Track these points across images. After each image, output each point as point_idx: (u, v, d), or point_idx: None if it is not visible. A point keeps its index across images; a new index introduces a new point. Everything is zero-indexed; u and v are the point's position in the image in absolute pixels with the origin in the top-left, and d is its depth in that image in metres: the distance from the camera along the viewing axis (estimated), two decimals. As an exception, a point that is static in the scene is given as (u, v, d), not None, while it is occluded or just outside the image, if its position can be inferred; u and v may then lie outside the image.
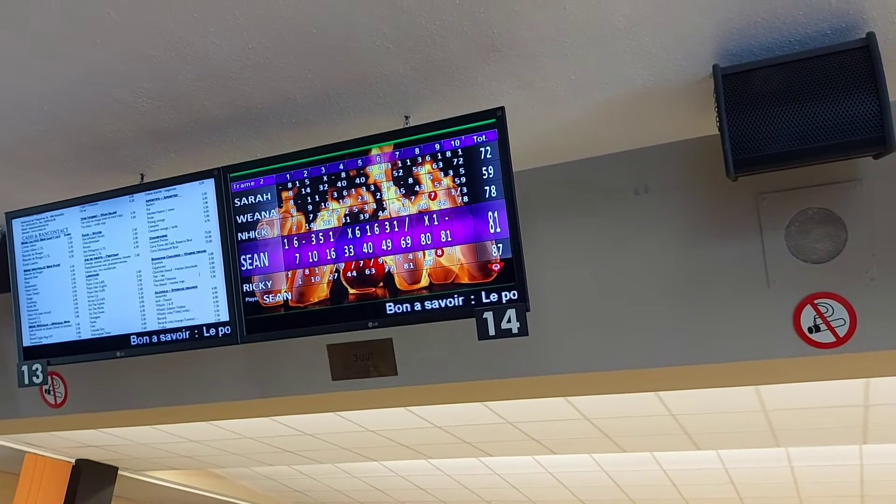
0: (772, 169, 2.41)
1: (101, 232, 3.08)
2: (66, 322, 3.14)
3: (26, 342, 3.23)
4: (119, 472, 8.30)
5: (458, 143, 2.55)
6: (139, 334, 3.01)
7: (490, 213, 2.52)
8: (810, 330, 2.64)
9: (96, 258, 3.08)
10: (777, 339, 2.68)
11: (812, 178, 2.65)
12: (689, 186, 2.85)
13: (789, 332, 2.67)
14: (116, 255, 3.05)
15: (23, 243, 3.22)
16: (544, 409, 5.45)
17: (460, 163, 2.55)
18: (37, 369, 3.16)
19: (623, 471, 7.41)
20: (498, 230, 2.51)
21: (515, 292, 2.50)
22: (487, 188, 2.52)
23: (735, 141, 2.36)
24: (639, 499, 8.52)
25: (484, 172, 2.52)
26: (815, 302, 2.63)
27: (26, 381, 3.19)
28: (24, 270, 3.22)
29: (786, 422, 5.28)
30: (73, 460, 7.96)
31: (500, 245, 2.51)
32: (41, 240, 3.19)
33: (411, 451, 6.93)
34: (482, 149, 2.52)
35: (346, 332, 2.80)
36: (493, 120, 2.50)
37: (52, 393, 3.97)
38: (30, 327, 3.22)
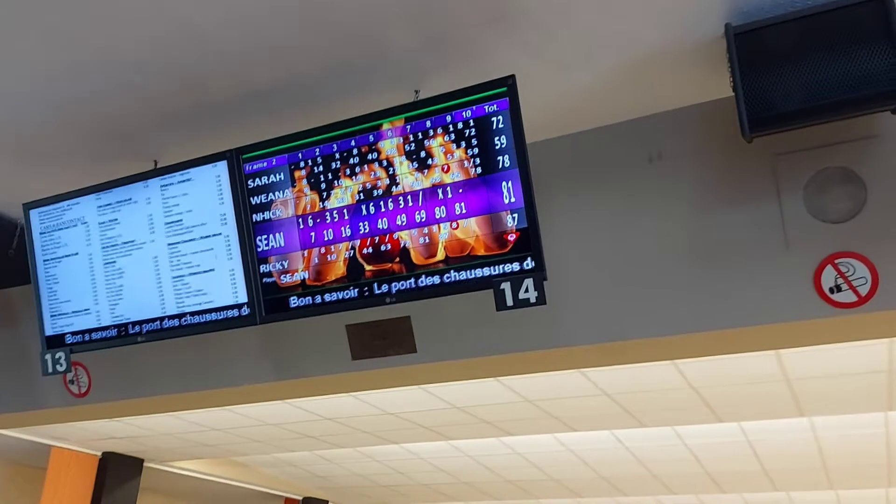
0: (788, 128, 2.39)
1: (116, 219, 3.09)
2: (86, 310, 3.17)
3: (48, 331, 3.26)
4: (145, 463, 8.40)
5: (469, 113, 2.54)
6: (158, 319, 3.03)
7: (504, 184, 2.51)
8: (831, 290, 2.61)
9: (113, 245, 3.10)
10: (798, 301, 2.66)
11: (829, 136, 2.62)
12: (704, 151, 2.82)
13: (810, 293, 2.64)
14: (133, 241, 3.07)
15: (41, 234, 3.25)
16: (563, 386, 5.44)
17: (472, 134, 2.54)
18: (60, 357, 3.19)
19: (644, 446, 7.40)
20: (512, 200, 2.50)
21: (532, 262, 2.49)
22: (500, 158, 2.50)
23: (750, 100, 2.33)
24: (661, 474, 8.51)
25: (496, 142, 2.51)
26: (836, 262, 2.60)
27: (50, 370, 3.23)
28: (44, 260, 3.25)
29: (809, 390, 5.24)
30: (99, 453, 8.05)
31: (515, 215, 2.50)
32: (59, 229, 3.21)
33: (431, 432, 6.96)
34: (494, 118, 2.51)
35: (363, 308, 2.79)
36: (504, 88, 2.48)
37: (75, 383, 4.01)
38: (51, 316, 3.25)
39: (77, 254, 3.17)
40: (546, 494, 10.01)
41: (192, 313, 2.98)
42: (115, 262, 3.10)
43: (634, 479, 8.79)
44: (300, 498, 10.76)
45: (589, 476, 8.69)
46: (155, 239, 3.02)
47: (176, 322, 3.01)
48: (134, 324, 3.09)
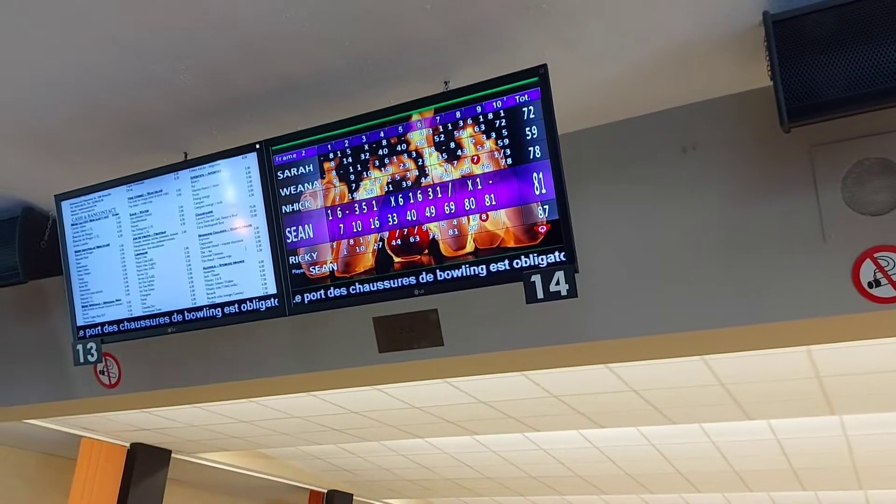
0: (828, 117, 2.33)
1: (148, 210, 3.11)
2: (117, 300, 3.19)
3: (80, 321, 3.30)
4: (172, 454, 8.49)
5: (500, 104, 2.52)
6: (189, 310, 3.05)
7: (535, 175, 2.48)
8: (870, 285, 2.55)
9: (144, 236, 3.12)
10: (835, 296, 2.60)
11: (868, 126, 2.56)
12: (739, 142, 2.77)
13: (848, 287, 2.59)
14: (164, 232, 3.09)
15: (72, 225, 3.28)
16: (590, 382, 5.41)
17: (503, 124, 2.51)
18: (91, 348, 3.22)
19: (671, 444, 7.34)
20: (543, 191, 2.47)
21: (563, 254, 2.46)
22: (532, 149, 2.48)
23: (789, 89, 2.28)
24: (688, 472, 8.43)
25: (528, 133, 2.48)
26: (875, 255, 2.55)
27: (81, 360, 3.26)
28: (76, 251, 3.28)
29: (840, 388, 5.16)
30: (128, 444, 8.16)
31: (546, 207, 2.48)
32: (90, 220, 3.24)
33: (456, 427, 6.95)
34: (525, 108, 2.48)
35: (392, 300, 2.78)
36: (536, 78, 2.45)
37: (106, 374, 4.06)
38: (83, 307, 3.28)
39: (108, 245, 3.20)
40: (571, 491, 9.97)
41: (222, 304, 2.99)
42: (146, 253, 3.12)
43: (660, 477, 8.72)
44: (325, 491, 10.82)
45: (614, 473, 8.64)
46: (186, 230, 3.03)
47: (206, 313, 3.02)
48: (165, 314, 3.11)
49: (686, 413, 6.08)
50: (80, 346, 3.26)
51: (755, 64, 2.54)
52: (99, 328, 3.25)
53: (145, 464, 8.20)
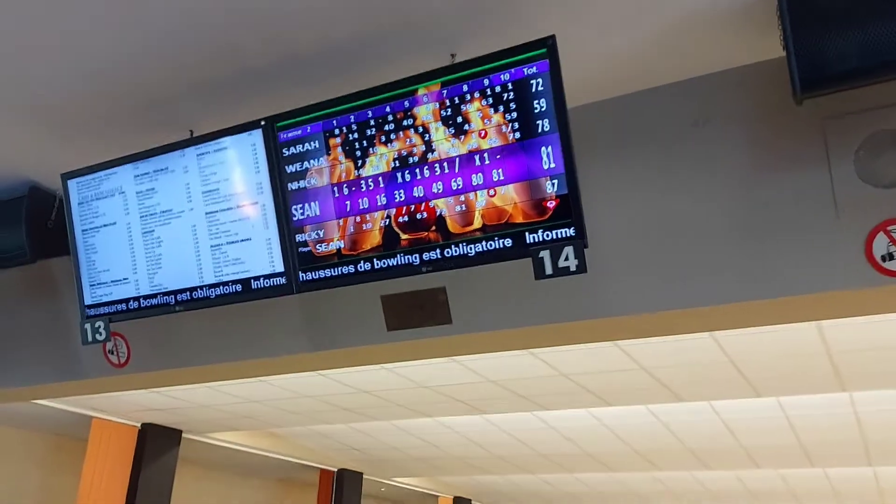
0: (841, 88, 2.29)
1: (154, 188, 3.10)
2: (125, 279, 3.19)
3: (87, 300, 3.30)
4: (183, 434, 8.56)
5: (507, 76, 2.48)
6: (197, 288, 3.05)
7: (543, 149, 2.45)
8: (883, 258, 2.52)
9: (151, 214, 3.11)
10: (847, 270, 2.57)
11: (881, 98, 2.51)
12: (751, 115, 2.73)
13: (860, 261, 2.55)
14: (171, 210, 3.07)
15: (79, 203, 3.27)
16: (599, 360, 5.40)
17: (511, 97, 2.48)
18: (99, 326, 3.23)
19: (680, 421, 7.34)
20: (552, 165, 2.44)
21: (573, 229, 2.43)
22: (540, 122, 2.44)
23: (802, 60, 2.24)
24: (696, 449, 8.44)
25: (536, 106, 2.44)
26: (888, 229, 2.51)
27: (90, 339, 3.27)
28: (82, 230, 3.28)
29: (851, 364, 5.14)
30: (138, 424, 8.22)
31: (555, 181, 2.45)
32: (97, 199, 3.23)
33: (465, 406, 6.97)
34: (533, 81, 2.44)
35: (399, 277, 2.77)
36: (544, 50, 2.41)
37: (115, 353, 4.07)
38: (90, 286, 3.28)
39: (115, 223, 3.19)
40: (580, 468, 10.01)
41: (230, 282, 2.99)
42: (153, 231, 3.11)
43: (670, 454, 8.74)
44: (335, 469, 10.91)
45: (623, 451, 8.67)
46: (193, 208, 3.02)
47: (214, 291, 3.02)
48: (172, 293, 3.10)
49: (695, 390, 6.07)
50: (88, 325, 3.26)
51: (767, 35, 2.49)
52: (107, 307, 3.25)
53: (156, 444, 8.27)
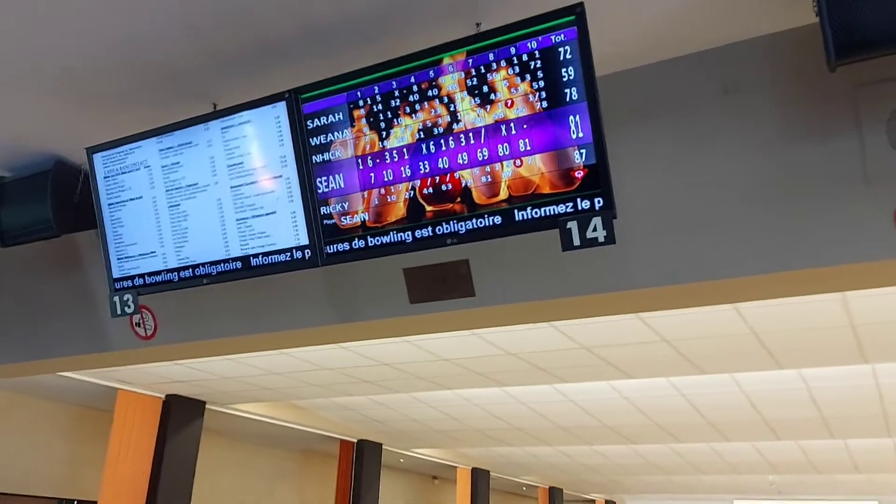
0: (876, 54, 2.24)
1: (179, 162, 3.11)
2: (152, 252, 3.21)
3: (115, 273, 3.33)
4: (207, 405, 8.68)
5: (534, 44, 2.44)
6: (223, 261, 3.06)
7: (571, 118, 2.42)
8: (914, 228, 2.48)
9: (177, 188, 3.12)
10: (877, 240, 2.54)
11: (918, 64, 2.46)
12: (781, 82, 2.69)
13: (890, 231, 2.52)
14: (196, 184, 3.08)
15: (105, 178, 3.29)
16: (620, 332, 5.39)
17: (538, 66, 2.44)
18: (128, 299, 3.26)
19: (701, 394, 7.34)
20: (580, 135, 2.42)
21: (601, 199, 2.42)
22: (568, 91, 2.41)
23: (836, 25, 2.19)
24: (717, 422, 8.45)
25: (564, 74, 2.41)
26: (921, 198, 2.47)
27: (119, 312, 3.30)
28: (109, 204, 3.30)
29: (874, 336, 5.10)
30: (163, 396, 8.35)
31: (584, 151, 2.42)
32: (122, 173, 3.24)
33: (485, 378, 7.00)
34: (561, 49, 2.41)
35: (424, 250, 2.76)
36: (573, 17, 2.37)
37: (142, 326, 4.11)
38: (118, 259, 3.31)
39: (141, 197, 3.20)
40: (600, 441, 10.06)
41: (256, 255, 3.00)
42: (179, 204, 3.12)
43: (690, 427, 8.75)
44: (355, 441, 11.04)
45: (643, 423, 8.69)
46: (218, 181, 3.02)
47: (240, 264, 3.03)
48: (199, 266, 3.12)
49: (717, 363, 6.06)
50: (116, 298, 3.30)
51: (797, 1, 2.44)
52: (135, 280, 3.28)
53: (180, 415, 8.40)
